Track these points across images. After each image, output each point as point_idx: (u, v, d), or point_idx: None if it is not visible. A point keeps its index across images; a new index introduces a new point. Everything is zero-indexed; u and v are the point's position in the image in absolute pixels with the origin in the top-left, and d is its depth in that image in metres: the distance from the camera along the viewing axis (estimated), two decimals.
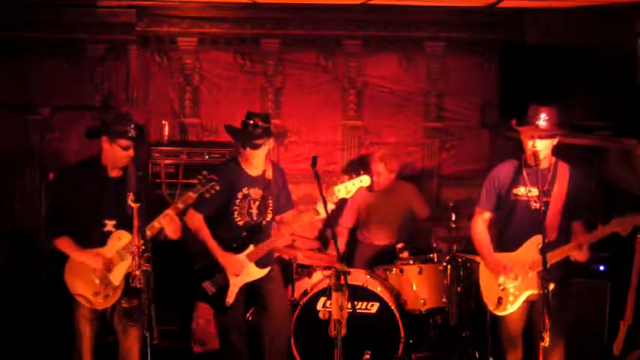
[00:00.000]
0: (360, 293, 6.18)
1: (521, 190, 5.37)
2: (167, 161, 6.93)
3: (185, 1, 7.39)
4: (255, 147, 5.67)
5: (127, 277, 5.05)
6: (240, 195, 5.79)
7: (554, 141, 5.29)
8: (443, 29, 7.62)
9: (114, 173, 5.21)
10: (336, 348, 4.99)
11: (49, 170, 6.82)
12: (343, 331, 5.00)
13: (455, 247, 6.71)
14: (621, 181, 6.81)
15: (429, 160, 7.80)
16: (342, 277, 4.94)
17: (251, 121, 5.69)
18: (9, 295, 6.69)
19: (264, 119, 5.73)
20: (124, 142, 5.11)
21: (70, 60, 7.43)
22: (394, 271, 6.63)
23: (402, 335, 6.22)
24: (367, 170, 6.11)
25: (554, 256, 5.15)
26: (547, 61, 7.01)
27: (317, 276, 6.49)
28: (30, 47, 7.35)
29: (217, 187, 5.15)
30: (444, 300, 6.59)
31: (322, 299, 6.23)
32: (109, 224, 5.15)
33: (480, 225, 5.53)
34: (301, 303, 6.27)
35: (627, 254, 5.61)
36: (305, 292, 6.37)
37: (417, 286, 6.57)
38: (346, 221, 7.32)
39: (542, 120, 5.24)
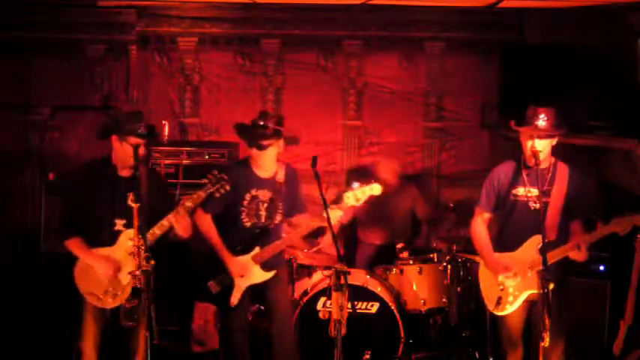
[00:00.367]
0: (360, 293, 6.18)
1: (520, 191, 5.35)
2: (167, 161, 6.91)
3: (185, 1, 7.39)
4: (261, 148, 5.58)
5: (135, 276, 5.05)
6: (248, 196, 5.69)
7: (554, 141, 5.28)
8: (443, 29, 7.63)
9: (124, 173, 5.17)
10: (336, 348, 4.97)
11: (49, 170, 6.82)
12: (343, 331, 4.98)
13: (455, 247, 6.72)
14: (621, 181, 6.81)
15: (429, 160, 7.80)
16: (342, 277, 4.94)
17: (260, 122, 5.59)
18: (9, 295, 6.68)
19: (275, 120, 5.62)
20: (134, 140, 5.06)
21: (70, 60, 7.43)
22: (394, 271, 6.63)
23: (402, 335, 6.21)
24: (377, 179, 5.99)
25: (554, 256, 5.15)
26: (547, 61, 7.01)
27: (317, 276, 6.48)
28: (30, 47, 7.35)
29: (227, 187, 5.13)
30: (444, 300, 6.60)
31: (322, 299, 6.23)
32: (119, 224, 5.13)
33: (480, 225, 5.52)
34: (301, 303, 6.26)
35: (627, 254, 5.62)
36: (305, 292, 6.36)
37: (417, 286, 6.57)
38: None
39: (541, 120, 5.23)
